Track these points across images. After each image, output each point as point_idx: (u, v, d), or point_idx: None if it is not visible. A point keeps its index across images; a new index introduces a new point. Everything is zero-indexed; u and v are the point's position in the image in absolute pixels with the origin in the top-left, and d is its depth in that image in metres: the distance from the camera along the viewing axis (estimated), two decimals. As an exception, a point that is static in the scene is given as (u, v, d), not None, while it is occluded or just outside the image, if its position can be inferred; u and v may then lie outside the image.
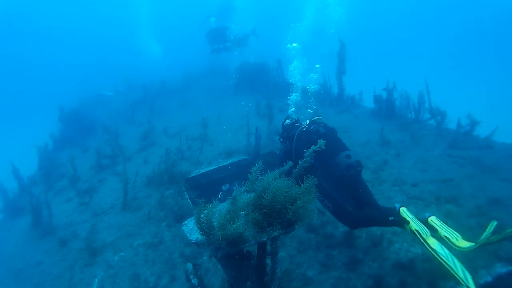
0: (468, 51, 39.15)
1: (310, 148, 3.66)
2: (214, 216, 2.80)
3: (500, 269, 3.66)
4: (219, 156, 8.50)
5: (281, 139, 5.33)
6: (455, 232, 3.47)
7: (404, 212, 3.73)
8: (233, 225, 2.56)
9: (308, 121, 5.17)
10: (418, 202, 5.04)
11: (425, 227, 3.56)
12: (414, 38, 45.91)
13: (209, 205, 2.83)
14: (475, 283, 3.13)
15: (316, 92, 11.68)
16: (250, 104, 11.75)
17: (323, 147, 3.27)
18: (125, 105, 15.78)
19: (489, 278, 3.59)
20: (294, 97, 8.83)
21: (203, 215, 2.76)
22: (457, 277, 3.13)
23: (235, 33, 16.23)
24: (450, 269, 3.20)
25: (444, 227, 3.54)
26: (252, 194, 2.99)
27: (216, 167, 8.02)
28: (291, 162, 3.20)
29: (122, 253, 5.66)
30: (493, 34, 39.82)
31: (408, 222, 3.62)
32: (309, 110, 9.80)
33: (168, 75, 18.92)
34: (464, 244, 3.31)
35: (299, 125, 5.26)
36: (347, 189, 4.36)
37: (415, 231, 3.53)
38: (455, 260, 3.27)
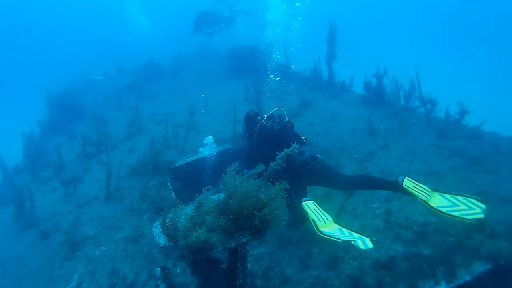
0: (464, 36, 38.58)
1: (268, 146, 4.24)
2: (180, 220, 2.68)
3: (479, 268, 3.59)
4: (204, 145, 8.33)
5: (245, 135, 5.34)
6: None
7: (306, 205, 3.89)
8: (194, 234, 2.44)
9: (265, 116, 5.10)
10: (403, 196, 4.92)
11: (323, 215, 3.76)
12: (408, 21, 45.16)
13: (173, 209, 2.71)
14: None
15: (306, 77, 11.49)
16: (240, 89, 11.52)
17: (296, 151, 3.15)
18: (114, 90, 15.49)
19: (468, 278, 3.52)
20: None
21: (168, 219, 2.64)
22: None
23: (223, 14, 15.91)
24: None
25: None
26: (221, 196, 2.87)
27: (201, 156, 7.87)
28: (262, 165, 3.06)
29: (103, 247, 5.57)
30: (490, 19, 39.32)
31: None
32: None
33: (158, 56, 18.54)
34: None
35: (260, 118, 5.17)
36: (305, 183, 4.50)
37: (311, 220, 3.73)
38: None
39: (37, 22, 45.58)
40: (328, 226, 3.67)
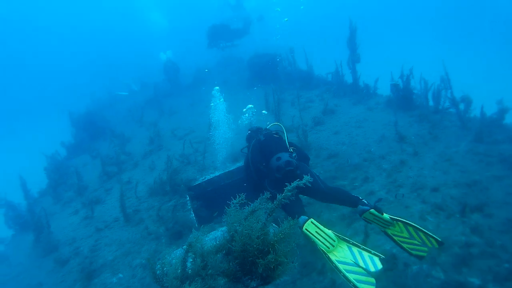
0: (487, 28, 36.52)
1: (259, 159, 4.77)
2: (170, 265, 2.35)
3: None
4: (225, 160, 8.03)
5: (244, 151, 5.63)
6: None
7: (307, 230, 3.66)
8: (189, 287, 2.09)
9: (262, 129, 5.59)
10: (440, 212, 4.42)
11: (327, 236, 3.60)
12: (430, 19, 43.29)
13: (164, 254, 2.39)
14: None
15: (330, 82, 11.04)
16: (262, 98, 11.19)
17: (309, 184, 2.77)
18: (137, 105, 15.57)
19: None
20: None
21: (158, 265, 2.32)
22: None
23: (236, 25, 15.77)
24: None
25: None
26: (218, 235, 2.53)
27: (222, 172, 7.57)
28: (268, 193, 2.70)
29: (120, 275, 5.34)
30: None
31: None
32: (263, 111, 9.24)
33: (180, 68, 18.59)
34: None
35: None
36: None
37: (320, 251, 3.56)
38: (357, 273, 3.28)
39: (60, 40, 47.19)
40: (337, 250, 3.55)
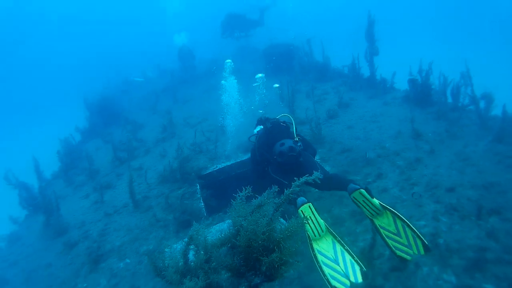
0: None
1: (266, 146, 4.96)
2: (171, 260, 2.29)
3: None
4: (237, 149, 7.97)
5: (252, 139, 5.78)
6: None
7: (302, 211, 3.60)
8: (190, 283, 2.03)
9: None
10: (454, 213, 4.27)
11: (317, 224, 3.60)
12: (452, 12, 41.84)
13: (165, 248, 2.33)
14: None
15: (346, 75, 10.83)
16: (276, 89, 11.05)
17: (318, 181, 2.67)
18: (151, 92, 15.57)
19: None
20: None
21: (160, 258, 2.27)
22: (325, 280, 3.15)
23: (252, 15, 15.58)
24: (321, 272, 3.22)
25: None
26: (224, 227, 2.46)
27: (233, 162, 7.52)
28: (276, 186, 2.62)
29: (127, 260, 5.35)
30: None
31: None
32: (275, 85, 9.57)
33: (195, 58, 18.53)
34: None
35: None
36: (291, 173, 4.43)
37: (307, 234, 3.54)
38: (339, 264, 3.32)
39: (78, 26, 47.48)
40: (321, 241, 3.61)
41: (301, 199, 3.80)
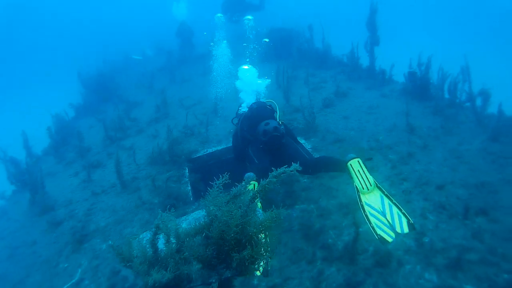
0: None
1: (248, 127, 5.01)
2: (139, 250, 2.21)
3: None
4: (230, 134, 7.85)
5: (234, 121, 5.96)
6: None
7: (351, 165, 4.01)
8: (157, 274, 1.95)
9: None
10: (442, 212, 4.19)
11: (366, 178, 3.93)
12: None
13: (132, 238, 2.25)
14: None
15: (345, 64, 10.65)
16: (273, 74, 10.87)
17: (296, 172, 2.59)
18: (149, 71, 15.33)
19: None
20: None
21: (125, 247, 2.18)
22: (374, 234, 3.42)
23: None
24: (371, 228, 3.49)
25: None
26: (202, 215, 2.37)
27: (225, 146, 7.41)
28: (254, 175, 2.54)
29: (110, 242, 5.29)
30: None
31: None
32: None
33: (195, 38, 18.21)
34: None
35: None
36: (271, 155, 4.71)
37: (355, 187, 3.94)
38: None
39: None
40: (369, 195, 3.81)
41: (350, 155, 4.06)
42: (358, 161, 3.95)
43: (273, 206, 2.39)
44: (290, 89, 9.15)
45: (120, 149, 8.61)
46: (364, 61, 9.80)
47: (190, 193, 6.06)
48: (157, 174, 6.80)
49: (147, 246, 2.33)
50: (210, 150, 7.39)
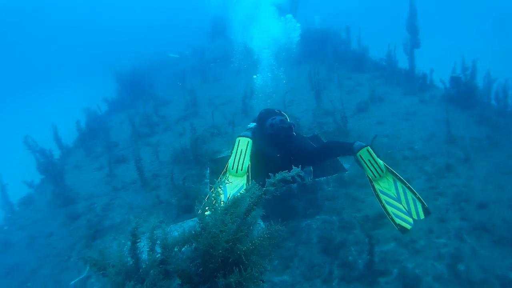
0: None
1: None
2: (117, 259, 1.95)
3: None
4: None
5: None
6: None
7: (360, 156, 3.95)
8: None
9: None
10: (484, 235, 3.66)
11: (377, 165, 3.88)
12: None
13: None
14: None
15: (384, 67, 10.07)
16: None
17: (298, 178, 2.27)
18: (182, 69, 15.36)
19: None
20: None
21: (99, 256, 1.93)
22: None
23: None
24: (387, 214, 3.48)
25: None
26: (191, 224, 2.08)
27: (249, 148, 7.10)
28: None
29: (122, 240, 5.12)
30: None
31: None
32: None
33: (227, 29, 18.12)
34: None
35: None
36: (280, 148, 4.61)
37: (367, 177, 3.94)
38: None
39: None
40: (382, 181, 3.80)
41: (358, 144, 3.97)
42: (367, 149, 3.88)
43: (271, 222, 2.05)
44: (322, 91, 8.73)
45: (146, 146, 8.56)
46: (403, 64, 9.17)
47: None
48: (178, 173, 6.62)
49: (128, 254, 2.07)
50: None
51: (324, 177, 5.33)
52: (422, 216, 3.35)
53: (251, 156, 4.26)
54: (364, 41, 11.18)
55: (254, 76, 10.76)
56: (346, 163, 5.70)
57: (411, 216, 3.38)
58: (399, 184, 3.64)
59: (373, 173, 3.79)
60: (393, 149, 5.85)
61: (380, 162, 3.81)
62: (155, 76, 16.06)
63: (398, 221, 3.35)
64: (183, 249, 2.17)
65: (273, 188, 2.08)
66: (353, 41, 11.84)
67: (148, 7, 49.31)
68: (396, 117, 7.19)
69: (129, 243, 2.18)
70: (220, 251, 1.77)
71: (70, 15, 48.64)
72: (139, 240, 2.16)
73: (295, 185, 5.29)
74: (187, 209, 5.39)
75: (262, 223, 2.70)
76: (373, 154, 3.83)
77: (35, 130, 11.87)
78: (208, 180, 6.25)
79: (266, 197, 2.10)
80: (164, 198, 5.90)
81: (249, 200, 2.06)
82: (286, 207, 4.75)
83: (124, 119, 11.30)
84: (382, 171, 3.75)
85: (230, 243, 1.79)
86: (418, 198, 3.46)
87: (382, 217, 4.18)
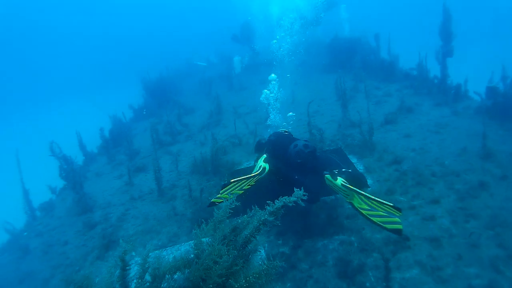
0: None
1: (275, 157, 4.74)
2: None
3: None
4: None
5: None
6: None
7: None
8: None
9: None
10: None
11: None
12: None
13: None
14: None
15: (414, 77, 9.61)
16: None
17: (301, 203, 2.01)
18: (209, 78, 15.36)
19: None
20: None
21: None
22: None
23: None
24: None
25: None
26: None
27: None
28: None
29: (133, 253, 5.00)
30: None
31: None
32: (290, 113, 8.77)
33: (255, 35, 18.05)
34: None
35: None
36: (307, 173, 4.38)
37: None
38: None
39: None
40: (354, 199, 3.69)
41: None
42: (326, 177, 4.01)
43: (265, 260, 1.81)
44: (349, 101, 8.39)
45: (167, 154, 8.51)
46: (434, 74, 8.66)
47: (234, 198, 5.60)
48: (196, 184, 6.48)
49: (116, 281, 1.89)
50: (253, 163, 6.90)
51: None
52: (397, 213, 3.24)
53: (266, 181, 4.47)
54: (394, 49, 10.73)
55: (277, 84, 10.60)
56: (369, 178, 5.36)
57: (394, 217, 3.27)
58: (361, 197, 3.58)
59: (344, 195, 3.82)
60: (419, 165, 5.44)
61: (338, 182, 3.79)
62: (181, 84, 16.17)
63: (389, 226, 3.22)
64: (175, 276, 1.97)
65: (272, 218, 1.84)
66: (383, 49, 11.41)
67: (177, 15, 50.44)
68: (425, 129, 6.75)
69: (118, 269, 2.00)
70: (211, 285, 1.55)
71: (99, 21, 50.44)
72: (128, 267, 1.98)
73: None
74: (196, 222, 5.22)
75: (263, 251, 2.46)
76: (330, 179, 3.90)
77: (65, 136, 12.16)
78: (224, 193, 6.06)
79: (264, 228, 1.86)
80: (179, 210, 5.76)
81: (247, 232, 1.83)
82: (303, 224, 4.48)
83: (147, 126, 11.38)
84: (348, 192, 3.70)
85: (223, 278, 1.57)
86: (383, 203, 3.35)
87: (405, 239, 3.83)
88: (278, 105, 8.68)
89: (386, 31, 10.89)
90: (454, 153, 5.60)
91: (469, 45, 26.07)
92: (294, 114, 8.64)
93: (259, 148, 5.48)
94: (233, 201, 2.35)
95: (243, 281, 1.62)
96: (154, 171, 6.37)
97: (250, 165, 6.87)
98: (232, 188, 4.05)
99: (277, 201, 1.91)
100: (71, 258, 5.37)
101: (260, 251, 2.35)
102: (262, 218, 1.87)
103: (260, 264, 1.76)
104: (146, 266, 1.91)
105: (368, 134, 6.45)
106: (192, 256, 1.90)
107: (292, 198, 1.92)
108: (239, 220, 2.06)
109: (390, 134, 6.93)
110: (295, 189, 2.02)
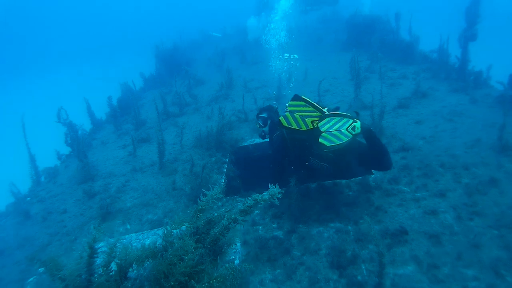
0: None
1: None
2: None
3: None
4: (281, 126, 7.11)
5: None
6: None
7: None
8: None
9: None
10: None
11: None
12: None
13: None
14: None
15: (432, 61, 9.16)
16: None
17: (276, 201, 1.85)
18: (222, 50, 15.03)
19: None
20: None
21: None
22: None
23: None
24: None
25: None
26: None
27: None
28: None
29: (128, 226, 4.99)
30: None
31: None
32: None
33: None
34: None
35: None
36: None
37: None
38: None
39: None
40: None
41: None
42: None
43: (227, 264, 1.67)
44: (363, 82, 8.08)
45: (172, 126, 8.41)
46: (455, 59, 8.17)
47: (223, 188, 5.49)
48: (199, 158, 6.39)
49: (84, 267, 1.79)
50: (257, 141, 6.75)
51: (346, 180, 4.83)
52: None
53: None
54: (415, 31, 10.20)
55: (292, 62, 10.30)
56: (374, 165, 5.16)
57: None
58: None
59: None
60: (428, 154, 5.19)
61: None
62: (195, 54, 15.91)
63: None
64: (145, 264, 1.86)
65: (241, 217, 1.69)
66: (403, 29, 10.87)
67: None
68: (438, 116, 6.42)
69: (85, 256, 1.90)
70: (172, 283, 1.43)
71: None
72: (96, 255, 1.87)
73: (314, 185, 4.86)
74: (193, 199, 5.16)
75: (239, 245, 2.33)
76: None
77: (76, 102, 12.14)
78: (224, 171, 5.95)
79: (233, 227, 1.72)
80: (178, 185, 5.69)
81: (216, 231, 1.69)
82: (300, 208, 4.33)
83: (157, 96, 11.26)
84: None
85: (186, 277, 1.44)
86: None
87: (403, 233, 3.67)
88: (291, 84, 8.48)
89: (408, 10, 10.36)
90: (467, 144, 5.30)
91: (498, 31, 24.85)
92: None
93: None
94: (219, 192, 2.18)
95: (206, 284, 1.49)
96: (158, 143, 6.26)
97: (253, 142, 6.74)
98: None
99: (249, 199, 1.75)
100: (68, 227, 5.38)
101: (236, 244, 2.22)
102: (232, 216, 1.71)
103: (226, 267, 1.63)
104: (113, 255, 1.79)
105: (379, 118, 6.20)
106: (160, 246, 1.77)
107: (266, 196, 1.76)
108: (215, 214, 1.90)
109: (400, 119, 6.63)
110: (269, 186, 1.86)
